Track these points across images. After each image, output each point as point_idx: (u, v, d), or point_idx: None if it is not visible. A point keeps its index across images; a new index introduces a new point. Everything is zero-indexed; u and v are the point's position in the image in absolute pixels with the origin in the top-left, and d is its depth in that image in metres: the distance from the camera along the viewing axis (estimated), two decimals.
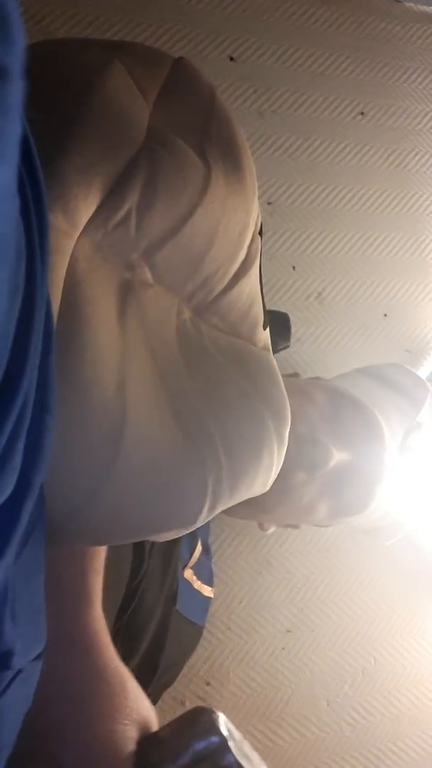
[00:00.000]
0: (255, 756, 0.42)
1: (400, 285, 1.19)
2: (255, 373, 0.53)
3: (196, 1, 1.12)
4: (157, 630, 0.74)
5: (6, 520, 0.26)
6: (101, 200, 0.43)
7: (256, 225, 0.56)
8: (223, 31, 1.12)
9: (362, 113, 1.20)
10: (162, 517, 0.45)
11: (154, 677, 0.74)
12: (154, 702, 0.47)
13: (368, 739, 1.03)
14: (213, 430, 0.46)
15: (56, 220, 0.40)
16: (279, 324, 0.92)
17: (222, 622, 0.99)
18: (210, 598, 0.91)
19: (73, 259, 0.41)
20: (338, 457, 0.70)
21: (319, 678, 1.02)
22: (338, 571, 1.07)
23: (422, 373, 1.15)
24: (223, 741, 0.39)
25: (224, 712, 0.43)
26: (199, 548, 0.87)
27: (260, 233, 0.58)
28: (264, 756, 0.44)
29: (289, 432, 0.54)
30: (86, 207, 0.42)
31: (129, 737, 0.40)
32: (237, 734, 0.42)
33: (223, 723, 0.41)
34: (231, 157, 0.52)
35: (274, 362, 0.57)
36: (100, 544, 0.48)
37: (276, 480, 0.55)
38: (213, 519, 0.51)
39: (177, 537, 0.49)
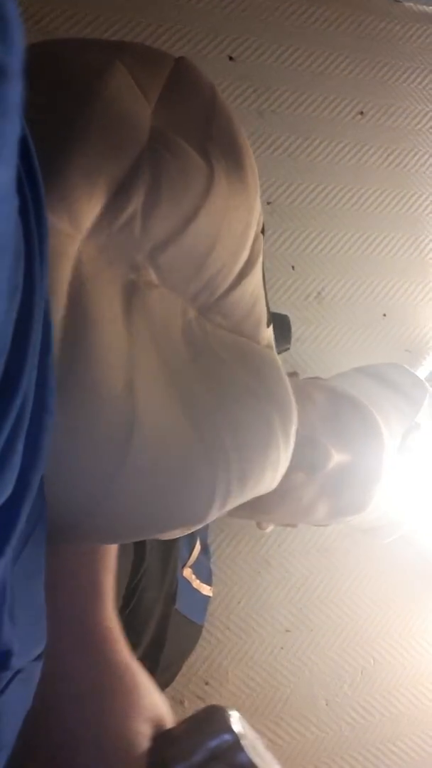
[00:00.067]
0: (268, 755, 0.42)
1: (400, 285, 1.19)
2: (260, 372, 0.53)
3: (196, 0, 1.12)
4: (157, 629, 0.74)
5: (5, 520, 0.26)
6: (105, 202, 0.43)
7: (258, 224, 0.56)
8: (222, 31, 1.12)
9: (362, 113, 1.20)
10: (172, 515, 0.45)
11: (153, 676, 0.74)
12: None
13: (367, 738, 1.03)
14: (222, 429, 0.46)
15: (60, 223, 0.40)
16: (279, 326, 0.92)
17: (221, 621, 0.99)
18: (209, 597, 0.91)
19: (77, 261, 0.41)
20: (337, 458, 0.70)
21: (318, 678, 1.02)
22: (337, 570, 1.07)
23: (422, 373, 1.15)
24: (237, 739, 0.39)
25: None
26: (197, 547, 0.87)
27: (262, 232, 0.58)
28: None
29: None
30: (90, 209, 0.42)
31: (142, 733, 0.40)
32: (251, 733, 0.41)
33: (237, 721, 0.41)
34: (233, 157, 0.52)
35: (279, 360, 0.57)
36: (110, 542, 0.49)
37: None
38: None
39: (179, 535, 0.50)
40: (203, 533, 0.92)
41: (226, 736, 0.39)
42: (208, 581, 0.90)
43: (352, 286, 1.16)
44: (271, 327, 0.59)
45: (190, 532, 0.49)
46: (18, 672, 0.31)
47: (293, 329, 0.99)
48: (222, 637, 0.98)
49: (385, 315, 1.17)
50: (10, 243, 0.21)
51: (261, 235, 0.57)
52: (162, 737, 0.41)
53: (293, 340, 1.01)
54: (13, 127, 0.19)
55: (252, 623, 1.01)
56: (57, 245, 0.39)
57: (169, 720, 0.43)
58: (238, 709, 0.42)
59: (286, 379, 0.56)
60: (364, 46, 1.21)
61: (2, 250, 0.20)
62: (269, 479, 0.51)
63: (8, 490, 0.25)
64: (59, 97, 0.45)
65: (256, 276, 0.56)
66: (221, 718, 0.40)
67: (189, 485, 0.43)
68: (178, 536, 0.49)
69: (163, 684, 0.82)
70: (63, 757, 0.39)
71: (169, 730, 0.42)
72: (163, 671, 0.77)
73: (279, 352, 0.82)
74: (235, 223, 0.51)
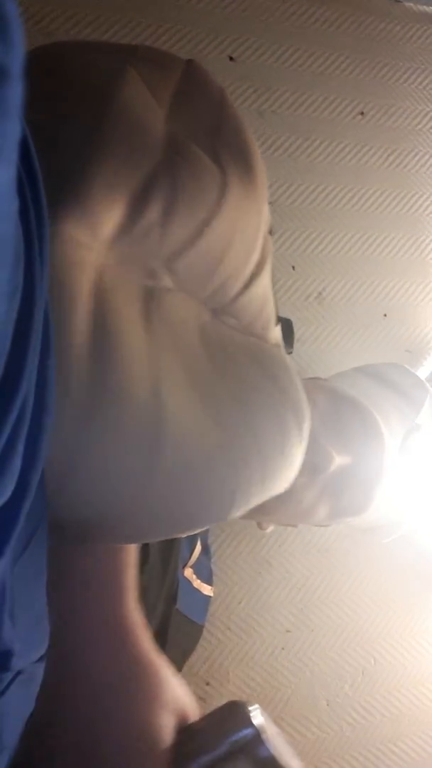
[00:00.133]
0: (288, 749, 0.42)
1: (400, 285, 1.19)
2: (274, 372, 0.53)
3: (196, 1, 1.12)
4: (158, 629, 0.74)
5: (4, 520, 0.26)
6: (124, 212, 0.43)
7: (266, 224, 0.57)
8: (222, 31, 1.12)
9: (362, 113, 1.20)
10: (197, 515, 0.45)
11: None
12: None
13: (368, 739, 1.03)
14: (243, 430, 0.46)
15: (81, 234, 0.40)
16: (282, 330, 0.92)
17: (222, 622, 0.99)
18: (209, 596, 0.91)
19: (98, 272, 0.41)
20: (338, 460, 0.70)
21: (319, 678, 1.02)
22: (338, 571, 1.07)
23: (422, 373, 1.15)
24: (258, 734, 0.40)
25: None
26: (198, 547, 0.87)
27: (270, 233, 0.58)
28: None
29: None
30: (110, 219, 0.42)
31: (166, 727, 0.40)
32: (272, 727, 0.42)
33: (259, 716, 0.41)
34: (243, 159, 0.52)
35: (288, 359, 0.58)
36: (137, 542, 0.50)
37: None
38: None
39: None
40: (204, 533, 0.92)
41: (248, 730, 0.40)
42: (208, 581, 0.90)
43: (353, 286, 1.16)
44: (278, 327, 0.60)
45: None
46: (19, 673, 0.31)
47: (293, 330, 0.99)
48: (223, 638, 0.98)
49: (385, 315, 1.17)
50: (11, 244, 0.21)
51: (269, 236, 0.58)
52: (185, 732, 0.41)
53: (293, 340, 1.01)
54: (14, 127, 0.19)
55: (253, 623, 1.01)
56: (77, 256, 0.40)
57: (194, 714, 0.44)
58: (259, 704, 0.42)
59: (298, 379, 0.56)
60: (365, 46, 1.21)
61: (2, 251, 0.20)
62: (285, 478, 0.52)
63: (9, 491, 0.25)
64: (72, 107, 0.45)
65: (265, 277, 0.56)
66: (243, 713, 0.41)
67: (213, 485, 0.44)
68: (195, 532, 0.50)
69: None
70: (86, 750, 0.39)
71: (192, 725, 0.42)
72: None
73: None
74: (247, 225, 0.52)
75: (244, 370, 0.50)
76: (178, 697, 0.43)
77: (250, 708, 0.41)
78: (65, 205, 0.39)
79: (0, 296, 0.20)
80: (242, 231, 0.51)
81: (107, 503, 0.39)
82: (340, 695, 1.03)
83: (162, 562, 0.75)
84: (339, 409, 0.74)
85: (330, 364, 1.09)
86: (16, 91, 0.19)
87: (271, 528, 0.89)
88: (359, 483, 0.74)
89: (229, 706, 0.42)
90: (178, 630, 0.79)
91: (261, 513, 0.77)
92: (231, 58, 1.13)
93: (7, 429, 0.23)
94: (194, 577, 0.85)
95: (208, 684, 0.95)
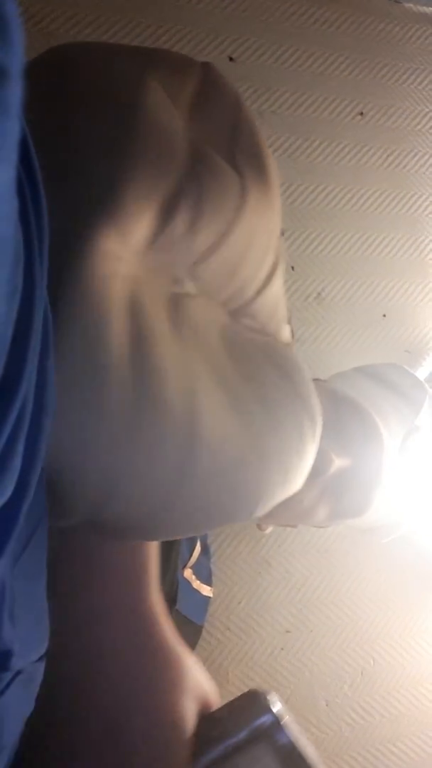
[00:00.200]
0: (304, 738, 0.44)
1: (399, 285, 1.19)
2: (288, 372, 0.54)
3: (196, 1, 1.12)
4: None
5: (4, 521, 0.26)
6: (154, 223, 0.44)
7: (279, 226, 0.57)
8: (222, 32, 1.12)
9: (361, 114, 1.20)
10: (226, 516, 0.47)
11: None
12: None
13: (367, 739, 1.03)
14: (266, 430, 0.47)
15: (113, 246, 0.40)
16: None
17: (221, 622, 0.99)
18: (209, 597, 0.91)
19: (129, 283, 0.42)
20: (338, 463, 0.71)
21: (318, 678, 1.02)
22: (337, 571, 1.07)
23: (422, 373, 1.15)
24: (277, 720, 0.42)
25: None
26: (198, 548, 0.87)
27: (281, 233, 0.59)
28: None
29: None
30: (140, 230, 0.43)
31: (189, 713, 0.42)
32: (289, 716, 0.44)
33: (277, 703, 0.43)
34: (258, 163, 0.53)
35: (300, 359, 0.59)
36: (166, 539, 0.52)
37: None
38: None
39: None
40: (204, 534, 0.92)
41: (267, 717, 0.42)
42: (208, 582, 0.90)
43: (352, 286, 1.16)
44: (289, 325, 0.61)
45: None
46: (18, 673, 0.31)
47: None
48: (222, 638, 0.98)
49: (384, 315, 1.17)
50: (10, 244, 0.21)
51: (281, 237, 0.58)
52: (206, 719, 0.43)
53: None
54: (14, 127, 0.19)
55: (252, 624, 1.01)
56: (112, 269, 0.40)
57: (215, 702, 0.45)
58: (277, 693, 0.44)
59: (310, 379, 0.57)
60: (364, 47, 1.21)
61: (2, 252, 0.20)
62: (301, 479, 0.53)
63: (8, 492, 0.25)
64: (95, 115, 0.45)
65: (279, 277, 0.57)
66: (262, 701, 0.43)
67: (242, 488, 0.45)
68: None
69: None
70: (112, 734, 0.40)
71: (213, 713, 0.44)
72: None
73: None
74: (264, 229, 0.52)
75: (263, 371, 0.51)
76: (200, 684, 0.45)
77: (270, 696, 0.43)
78: (99, 219, 0.40)
79: (0, 296, 0.20)
80: (260, 234, 0.52)
81: (146, 512, 0.41)
82: (339, 695, 1.03)
83: (162, 563, 0.75)
84: (338, 410, 0.74)
85: (329, 364, 1.09)
86: (16, 91, 0.19)
87: (270, 529, 0.89)
88: (359, 485, 0.74)
89: (248, 694, 0.44)
90: (178, 630, 0.79)
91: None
92: (231, 59, 1.13)
93: (7, 429, 0.23)
94: (194, 577, 0.85)
95: None
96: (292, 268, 1.13)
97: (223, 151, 0.50)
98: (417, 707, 1.07)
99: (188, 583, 0.83)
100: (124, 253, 0.42)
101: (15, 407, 0.24)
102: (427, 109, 1.24)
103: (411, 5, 1.26)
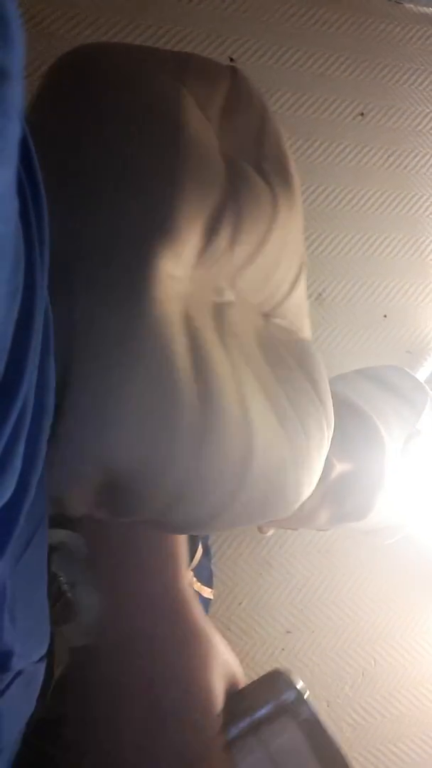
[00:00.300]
0: (323, 716, 0.46)
1: (400, 286, 1.19)
2: (310, 371, 0.56)
3: (197, 1, 1.12)
4: None
5: (4, 521, 0.26)
6: (202, 241, 0.45)
7: (302, 227, 0.59)
8: (223, 32, 1.12)
9: (362, 114, 1.20)
10: (267, 514, 0.49)
11: None
12: None
13: (369, 740, 1.03)
14: (299, 431, 0.49)
15: (167, 265, 0.41)
16: None
17: (222, 623, 0.99)
18: (210, 599, 0.91)
19: (183, 301, 0.43)
20: (339, 468, 0.71)
21: (320, 679, 1.02)
22: (338, 572, 1.07)
23: (422, 374, 1.15)
24: (301, 695, 0.44)
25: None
26: (199, 550, 0.86)
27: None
28: None
29: None
30: (191, 250, 0.44)
31: (218, 689, 0.45)
32: (308, 693, 0.46)
33: (300, 681, 0.46)
34: (284, 170, 0.54)
35: (319, 355, 0.60)
36: (215, 533, 0.55)
37: None
38: None
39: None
40: (205, 535, 0.92)
41: (291, 692, 0.45)
42: (208, 583, 0.90)
43: (353, 287, 1.16)
44: (308, 321, 0.63)
45: None
46: (19, 673, 0.31)
47: None
48: (222, 639, 0.98)
49: (385, 316, 1.17)
50: (11, 245, 0.21)
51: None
52: (233, 697, 0.46)
53: None
54: (14, 127, 0.19)
55: (253, 624, 1.00)
56: (171, 290, 0.42)
57: (242, 680, 0.48)
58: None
59: (328, 384, 0.58)
60: (365, 47, 1.21)
61: (3, 252, 0.20)
62: (318, 478, 0.54)
63: (9, 492, 0.25)
64: (135, 131, 0.45)
65: (304, 277, 0.59)
66: (286, 678, 0.46)
67: (282, 488, 0.48)
68: None
69: None
70: (149, 709, 0.42)
71: (240, 690, 0.47)
72: None
73: None
74: (293, 234, 0.54)
75: (293, 374, 0.53)
76: (228, 663, 0.48)
77: (292, 674, 0.46)
78: (158, 242, 0.41)
79: (0, 296, 0.20)
80: (290, 239, 0.54)
81: (208, 512, 0.44)
82: (340, 696, 1.03)
83: None
84: (339, 414, 0.74)
85: (330, 365, 1.08)
86: (16, 91, 0.19)
87: (271, 531, 0.89)
88: (360, 489, 0.74)
89: (272, 673, 0.48)
90: None
91: None
92: (231, 59, 1.13)
93: (8, 430, 0.23)
94: (194, 579, 0.85)
95: None
96: None
97: (251, 160, 0.52)
98: (418, 708, 1.07)
99: None
100: (177, 271, 0.43)
101: (16, 408, 0.24)
102: (427, 110, 1.24)
103: (411, 6, 1.26)
